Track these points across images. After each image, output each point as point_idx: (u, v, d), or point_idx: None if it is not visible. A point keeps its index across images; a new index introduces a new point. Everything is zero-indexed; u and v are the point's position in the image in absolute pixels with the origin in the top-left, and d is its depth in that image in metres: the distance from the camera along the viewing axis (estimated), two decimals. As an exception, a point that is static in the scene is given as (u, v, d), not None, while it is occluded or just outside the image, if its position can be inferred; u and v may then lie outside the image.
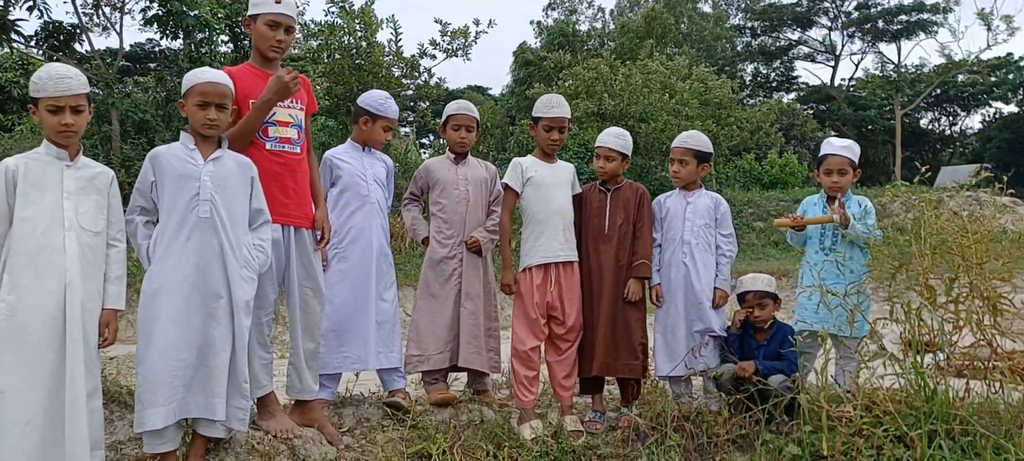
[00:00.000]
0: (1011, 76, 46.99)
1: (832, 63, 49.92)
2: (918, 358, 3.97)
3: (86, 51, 17.01)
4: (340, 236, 4.46)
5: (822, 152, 4.82)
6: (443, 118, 5.04)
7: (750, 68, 50.67)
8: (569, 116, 4.75)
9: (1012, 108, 48.50)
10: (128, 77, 23.04)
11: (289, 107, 3.86)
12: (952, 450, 3.60)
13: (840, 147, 4.75)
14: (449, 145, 4.99)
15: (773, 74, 51.40)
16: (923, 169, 4.56)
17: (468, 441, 4.31)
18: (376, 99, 4.69)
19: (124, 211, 3.44)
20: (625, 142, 4.81)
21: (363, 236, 4.49)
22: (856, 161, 4.74)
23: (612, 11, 42.72)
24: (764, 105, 28.14)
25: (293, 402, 4.10)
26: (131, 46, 28.85)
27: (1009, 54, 46.48)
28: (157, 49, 23.13)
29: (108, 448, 3.52)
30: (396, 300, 4.66)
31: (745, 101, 37.90)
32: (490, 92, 45.61)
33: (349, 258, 4.45)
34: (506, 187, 4.75)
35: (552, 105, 4.71)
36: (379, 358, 4.48)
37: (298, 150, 3.90)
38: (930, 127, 53.40)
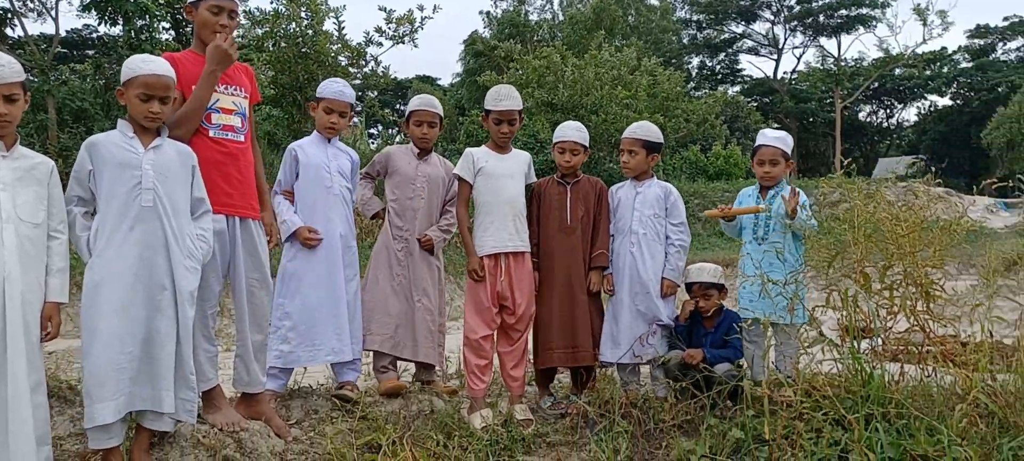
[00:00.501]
0: (945, 69, 48.51)
1: (775, 57, 50.91)
2: (855, 344, 4.10)
3: (19, 36, 16.45)
4: (305, 220, 4.42)
5: (756, 143, 4.94)
6: (406, 113, 5.03)
7: (696, 61, 51.42)
8: (519, 108, 4.77)
9: (946, 101, 50.12)
10: (64, 64, 22.33)
11: (233, 95, 3.81)
12: (887, 432, 3.73)
13: (772, 138, 4.87)
14: (412, 141, 4.97)
15: (718, 66, 52.24)
16: (852, 161, 4.69)
17: (418, 431, 4.31)
18: (325, 84, 4.67)
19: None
20: (585, 135, 4.92)
21: (328, 227, 4.45)
22: (789, 152, 4.85)
23: (561, 2, 42.92)
24: (710, 97, 28.63)
25: (239, 395, 4.05)
26: (67, 32, 27.96)
27: (944, 48, 48.00)
28: (95, 35, 22.48)
29: (47, 445, 3.44)
30: (358, 292, 4.63)
31: (692, 93, 38.47)
32: (439, 82, 45.45)
33: (315, 251, 4.40)
34: (458, 178, 4.76)
35: (501, 98, 4.72)
36: (353, 349, 4.49)
37: (242, 138, 3.84)
38: (868, 119, 54.89)
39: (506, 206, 4.63)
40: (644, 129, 4.94)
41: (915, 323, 4.06)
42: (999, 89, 46.14)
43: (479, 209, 4.71)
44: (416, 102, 4.99)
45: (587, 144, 4.90)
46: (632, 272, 4.76)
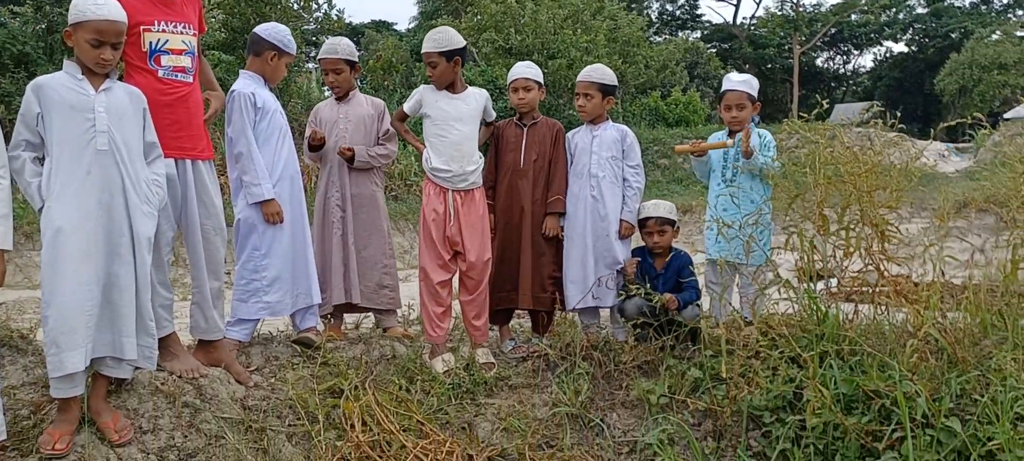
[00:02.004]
0: (901, 16, 48.95)
1: (735, 2, 50.94)
2: (811, 285, 4.17)
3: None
4: (272, 174, 4.28)
5: (722, 88, 4.96)
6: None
7: (656, 5, 51.21)
8: (441, 50, 4.50)
9: (901, 47, 50.76)
10: (3, 7, 21.38)
11: (182, 33, 3.66)
12: (841, 369, 3.82)
13: (737, 82, 4.88)
14: (328, 87, 4.96)
15: (679, 11, 52.09)
16: (816, 107, 4.70)
17: (380, 376, 4.30)
18: (283, 34, 4.49)
19: (7, 147, 3.20)
20: (536, 71, 4.85)
21: (290, 167, 4.36)
22: (754, 95, 4.87)
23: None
24: (670, 43, 28.59)
25: (197, 342, 3.99)
26: (5, -28, 26.72)
27: (901, -7, 48.29)
28: (34, -24, 21.48)
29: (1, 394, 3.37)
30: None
31: (652, 39, 38.37)
32: (395, 27, 44.72)
33: (282, 197, 4.29)
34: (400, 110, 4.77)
35: (427, 40, 4.58)
36: (318, 293, 4.46)
37: (191, 79, 3.71)
38: (826, 66, 55.45)
39: (452, 148, 4.53)
40: (599, 72, 4.90)
41: (870, 263, 4.13)
42: (953, 35, 46.86)
43: (427, 147, 4.63)
44: (322, 50, 4.98)
45: (540, 80, 4.84)
46: (594, 216, 4.76)
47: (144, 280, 3.27)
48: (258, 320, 4.42)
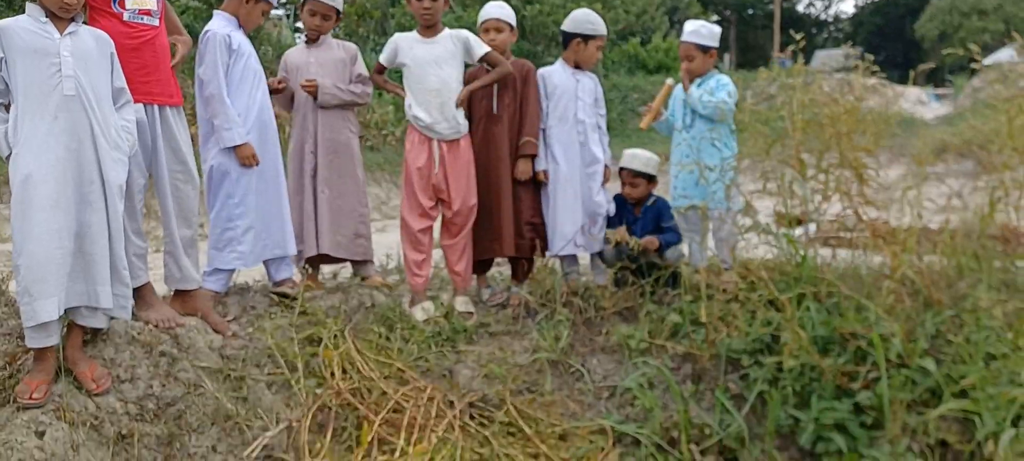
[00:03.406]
0: (882, -39, 48.64)
1: (716, -54, 50.39)
2: (789, 229, 4.18)
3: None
4: (244, 120, 4.19)
5: None
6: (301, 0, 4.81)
7: (637, -51, 50.51)
8: None
9: (883, -8, 50.51)
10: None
11: None
12: (818, 311, 3.86)
13: (687, 33, 4.81)
14: (305, 30, 4.80)
15: (659, -44, 51.42)
16: (794, 50, 4.65)
17: (359, 325, 4.29)
18: None
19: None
20: (508, 11, 4.73)
21: (265, 114, 4.28)
22: (708, 44, 4.75)
23: None
24: (651, -12, 28.26)
25: (173, 292, 3.95)
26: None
27: (883, -64, 47.92)
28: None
29: (-31, 347, 3.32)
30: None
31: (632, -16, 37.82)
32: (373, -27, 43.76)
33: (255, 144, 4.20)
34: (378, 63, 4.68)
35: None
36: (293, 244, 4.41)
37: (156, 23, 3.61)
38: (806, 11, 55.21)
39: (431, 94, 4.46)
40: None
41: (848, 206, 4.14)
42: (933, -20, 46.73)
43: (408, 95, 4.57)
44: None
45: (512, 22, 4.72)
46: (582, 162, 4.71)
47: (117, 228, 3.21)
48: (233, 270, 4.37)
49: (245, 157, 4.13)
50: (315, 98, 4.66)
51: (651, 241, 4.48)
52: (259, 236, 4.26)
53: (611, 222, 4.75)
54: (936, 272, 4.01)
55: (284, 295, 4.31)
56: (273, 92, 4.63)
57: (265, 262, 4.42)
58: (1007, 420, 3.24)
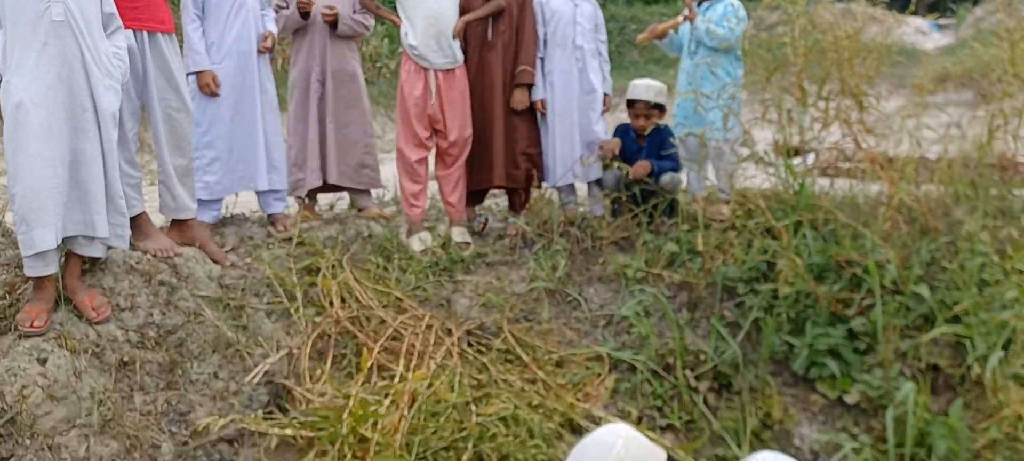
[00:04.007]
0: None
1: None
2: (788, 157, 4.17)
3: None
4: (218, 48, 4.14)
5: None
6: None
7: None
8: None
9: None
10: None
11: None
12: (815, 239, 3.87)
13: None
14: None
15: None
16: None
17: (356, 255, 4.30)
18: None
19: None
20: None
21: (244, 43, 4.21)
22: None
23: None
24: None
25: (169, 223, 3.94)
26: None
27: None
28: None
29: (-32, 277, 3.33)
30: (276, 116, 4.43)
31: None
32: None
33: (227, 73, 4.16)
34: None
35: None
36: (269, 178, 4.35)
37: None
38: (808, -58, 54.10)
39: (427, 20, 4.38)
40: None
41: (847, 134, 4.13)
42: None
43: (403, 23, 4.49)
44: None
45: None
46: (581, 89, 4.65)
47: (111, 157, 3.18)
48: (221, 201, 4.36)
49: (203, 84, 4.08)
50: (333, 27, 4.58)
51: (643, 166, 4.46)
52: (227, 167, 4.22)
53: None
54: (933, 200, 4.02)
55: (284, 236, 4.30)
56: (303, 14, 4.57)
57: (258, 194, 4.41)
58: (998, 344, 3.28)
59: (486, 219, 4.90)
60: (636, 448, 1.66)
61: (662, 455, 1.70)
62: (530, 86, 4.61)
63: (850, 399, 3.55)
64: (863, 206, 4.11)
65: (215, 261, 3.89)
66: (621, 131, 4.77)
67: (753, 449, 3.51)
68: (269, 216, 4.44)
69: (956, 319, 3.51)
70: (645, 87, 4.71)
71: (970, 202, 4.01)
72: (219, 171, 4.22)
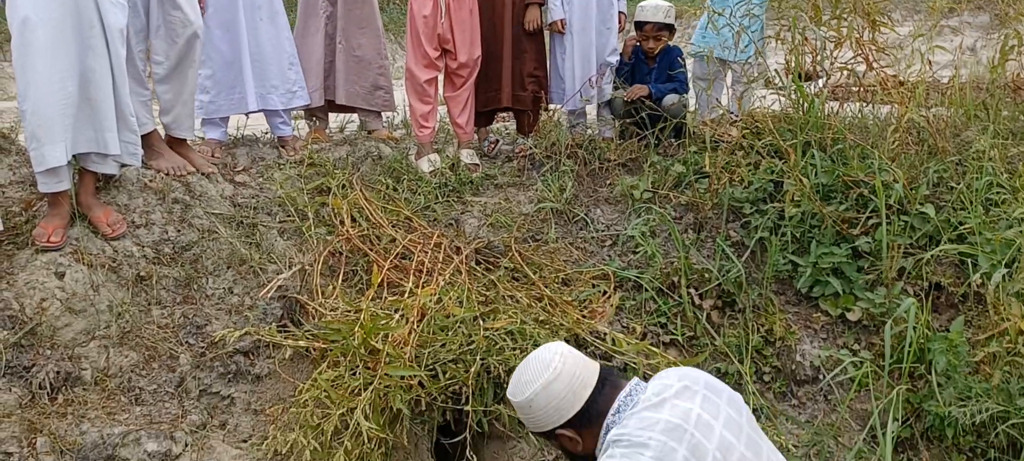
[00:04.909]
0: None
1: None
2: (798, 75, 4.14)
3: None
4: None
5: None
6: None
7: None
8: None
9: None
10: None
11: None
12: (823, 160, 3.87)
13: None
14: None
15: None
16: None
17: (366, 176, 4.33)
18: None
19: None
20: None
21: None
22: None
23: None
24: None
25: (168, 139, 3.93)
26: None
27: None
28: None
29: (-14, 194, 3.39)
30: (280, 34, 4.38)
31: None
32: None
33: None
34: None
35: None
36: (263, 99, 4.31)
37: None
38: None
39: None
40: None
41: (859, 53, 4.08)
42: None
43: None
44: None
45: None
46: (599, 10, 4.59)
47: (120, 74, 3.20)
48: (227, 119, 4.37)
49: None
50: None
51: (639, 88, 4.45)
52: (220, 88, 4.19)
53: (626, 74, 4.69)
54: (943, 121, 4.00)
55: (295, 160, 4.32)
56: None
57: (267, 116, 4.42)
58: (1002, 262, 3.31)
59: (497, 140, 4.91)
60: (572, 363, 1.82)
61: (595, 367, 1.84)
62: (541, 4, 4.57)
63: (852, 317, 3.60)
64: (872, 127, 4.09)
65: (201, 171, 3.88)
66: (633, 52, 4.73)
67: (755, 364, 3.58)
68: (278, 138, 4.47)
69: (961, 238, 3.54)
70: (653, 8, 4.65)
71: (981, 123, 3.99)
72: (214, 91, 4.20)
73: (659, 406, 1.71)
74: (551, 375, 1.78)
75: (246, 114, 4.44)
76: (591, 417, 1.78)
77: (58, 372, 2.90)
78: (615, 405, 1.77)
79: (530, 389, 1.80)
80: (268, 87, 4.32)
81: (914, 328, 3.23)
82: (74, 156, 3.23)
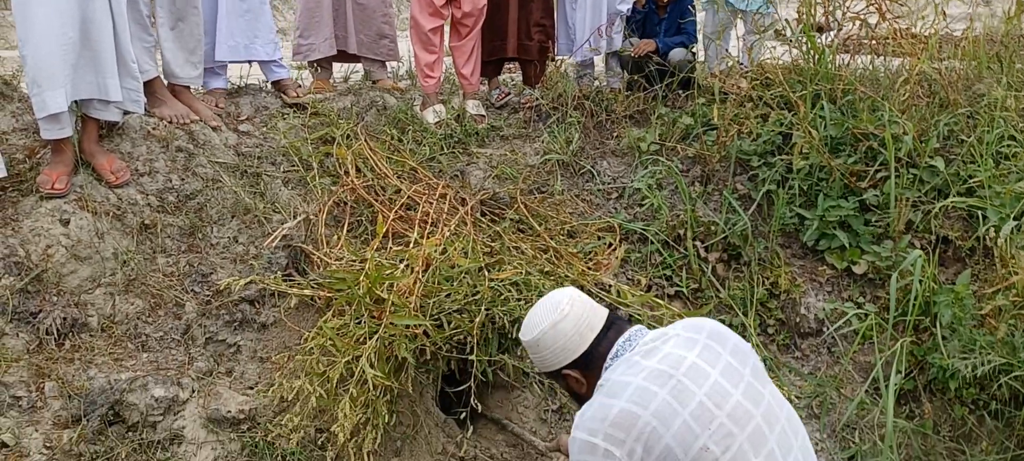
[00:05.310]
0: None
1: None
2: (810, 25, 4.07)
3: None
4: None
5: None
6: None
7: None
8: None
9: None
10: None
11: None
12: (832, 112, 3.83)
13: None
14: None
15: None
16: None
17: (371, 126, 4.30)
18: None
19: None
20: None
21: None
22: None
23: None
24: None
25: (170, 87, 3.89)
26: None
27: None
28: None
29: (-10, 141, 3.38)
30: None
31: None
32: None
33: None
34: None
35: None
36: (250, 49, 4.24)
37: None
38: None
39: None
40: None
41: (872, 4, 4.01)
42: None
43: None
44: None
45: None
46: None
47: (121, 19, 3.16)
48: (226, 66, 4.31)
49: None
50: None
51: (647, 43, 4.39)
52: (209, 36, 4.09)
53: (636, 24, 4.63)
54: (955, 72, 3.94)
55: (299, 105, 4.28)
56: None
57: (261, 65, 4.38)
58: (1011, 215, 3.28)
59: (508, 91, 4.86)
60: (581, 306, 1.87)
61: (603, 312, 1.89)
62: None
63: (858, 270, 3.59)
64: (883, 80, 4.04)
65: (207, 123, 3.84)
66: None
67: (759, 317, 3.59)
68: (273, 83, 4.42)
69: (970, 192, 3.50)
70: None
71: (994, 75, 3.93)
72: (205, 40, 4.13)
73: (651, 353, 1.75)
74: (558, 316, 1.84)
75: (247, 62, 4.40)
76: (595, 359, 1.83)
77: (65, 318, 2.92)
78: (614, 349, 1.81)
79: (538, 329, 1.86)
80: (253, 35, 4.24)
81: (920, 281, 3.22)
82: (76, 103, 3.22)
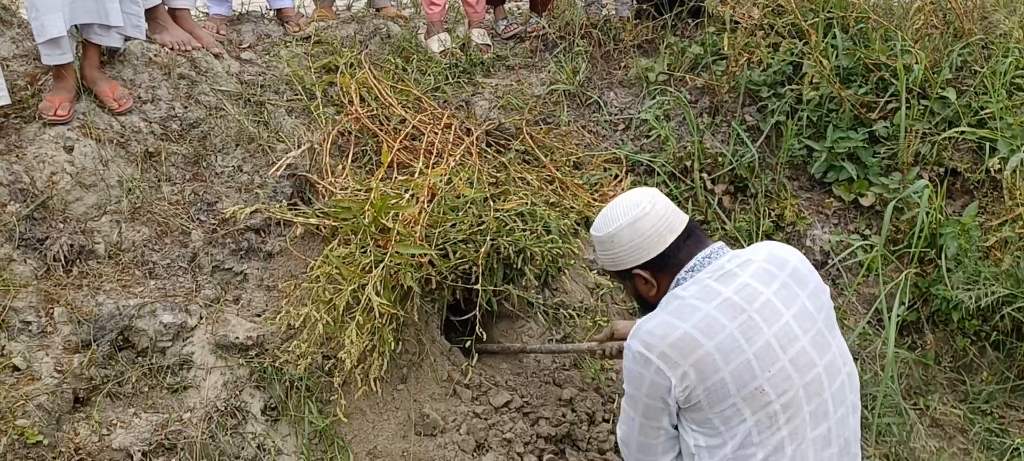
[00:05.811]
0: None
1: None
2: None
3: None
4: None
5: None
6: None
7: None
8: None
9: None
10: None
11: None
12: (845, 41, 3.76)
13: None
14: None
15: None
16: None
17: (375, 55, 4.24)
18: None
19: None
20: None
21: None
22: None
23: None
24: None
25: (170, 12, 3.83)
26: None
27: None
28: None
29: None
30: None
31: None
32: None
33: None
34: None
35: None
36: None
37: None
38: None
39: None
40: None
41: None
42: None
43: None
44: None
45: None
46: None
47: (121, -58, 3.10)
48: None
49: None
50: None
51: None
52: None
53: None
54: (971, 1, 3.85)
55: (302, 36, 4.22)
56: None
57: None
58: (1021, 146, 3.25)
59: (515, 23, 4.77)
60: (662, 206, 1.78)
61: (684, 218, 1.80)
62: None
63: (865, 202, 3.57)
64: (897, 8, 3.96)
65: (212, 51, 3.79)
66: None
67: (765, 249, 3.58)
68: (277, 12, 4.36)
69: (981, 124, 3.46)
70: None
71: (1011, 4, 3.85)
72: None
73: (727, 278, 1.68)
74: (640, 213, 1.75)
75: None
76: (670, 264, 1.75)
77: (72, 245, 2.93)
78: (692, 262, 1.73)
79: (616, 224, 1.78)
80: None
81: (927, 213, 3.20)
82: (77, 29, 3.17)
